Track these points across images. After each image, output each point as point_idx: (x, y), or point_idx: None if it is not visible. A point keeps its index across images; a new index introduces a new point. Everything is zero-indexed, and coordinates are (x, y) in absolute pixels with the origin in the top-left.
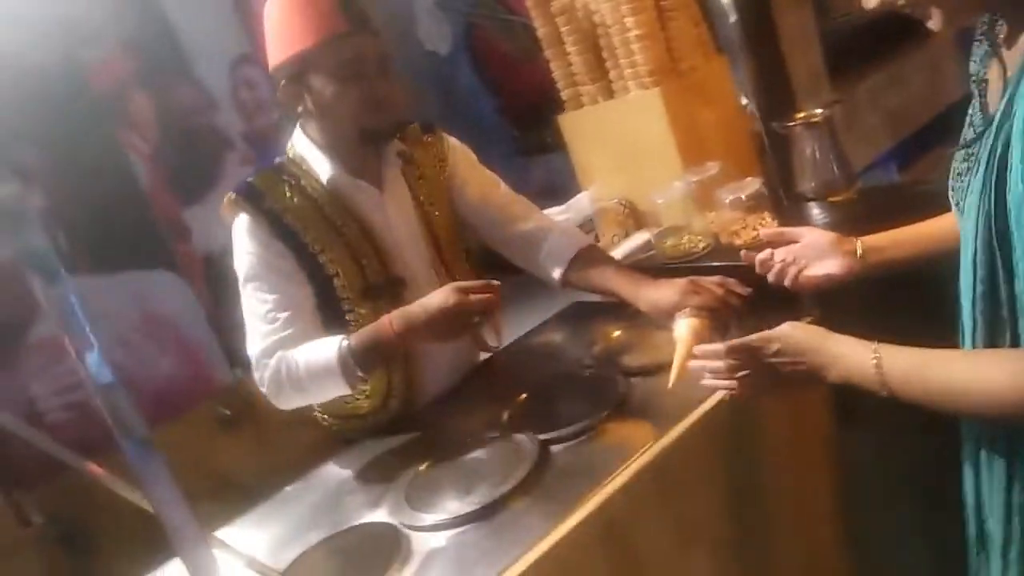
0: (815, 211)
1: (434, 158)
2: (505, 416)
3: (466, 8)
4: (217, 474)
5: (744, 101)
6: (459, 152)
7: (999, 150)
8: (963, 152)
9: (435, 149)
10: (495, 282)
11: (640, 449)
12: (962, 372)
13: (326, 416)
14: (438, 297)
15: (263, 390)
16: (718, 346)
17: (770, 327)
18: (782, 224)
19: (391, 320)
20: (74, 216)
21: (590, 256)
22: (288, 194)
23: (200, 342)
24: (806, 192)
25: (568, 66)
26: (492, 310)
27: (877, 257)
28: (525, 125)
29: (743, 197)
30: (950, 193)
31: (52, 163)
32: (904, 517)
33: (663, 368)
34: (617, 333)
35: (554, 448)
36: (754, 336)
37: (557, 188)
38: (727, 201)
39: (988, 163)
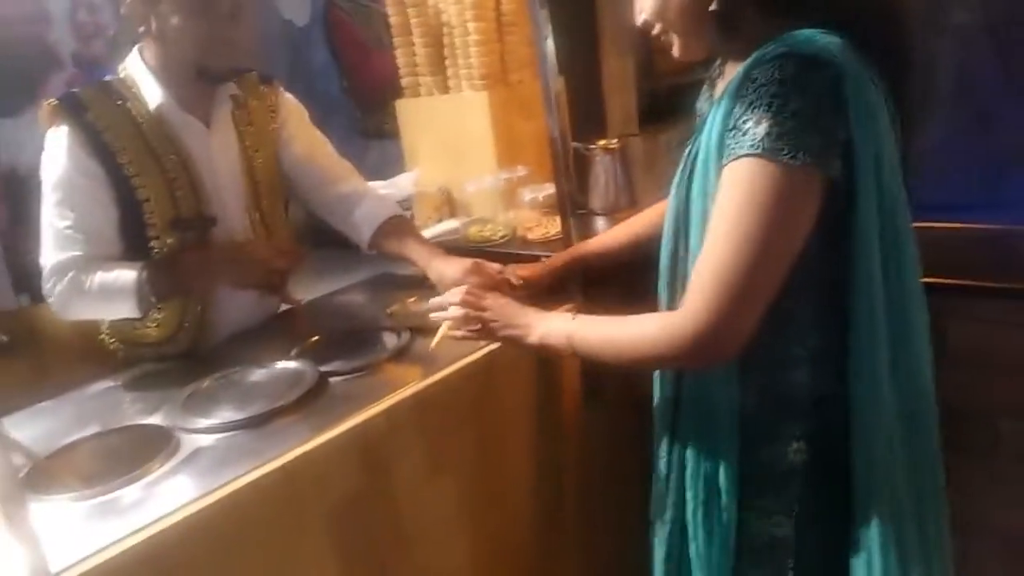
0: (599, 224)
1: (266, 108)
2: (293, 352)
3: None
4: None
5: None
6: (292, 107)
7: (694, 156)
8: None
9: (269, 100)
10: (301, 250)
11: (406, 384)
12: (624, 326)
13: (113, 340)
14: (246, 246)
15: (50, 300)
16: (453, 291)
17: None
18: (565, 228)
19: (194, 256)
20: None
21: (398, 225)
22: (112, 112)
23: None
24: (594, 207)
25: (412, 55)
26: (290, 271)
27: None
28: (368, 108)
29: (540, 199)
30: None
31: None
32: (621, 479)
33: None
34: (413, 299)
35: (333, 380)
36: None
37: (389, 173)
38: (527, 200)
39: (685, 167)
